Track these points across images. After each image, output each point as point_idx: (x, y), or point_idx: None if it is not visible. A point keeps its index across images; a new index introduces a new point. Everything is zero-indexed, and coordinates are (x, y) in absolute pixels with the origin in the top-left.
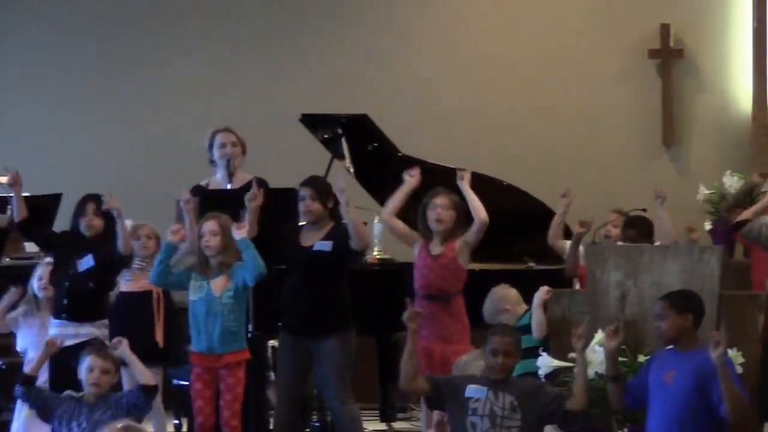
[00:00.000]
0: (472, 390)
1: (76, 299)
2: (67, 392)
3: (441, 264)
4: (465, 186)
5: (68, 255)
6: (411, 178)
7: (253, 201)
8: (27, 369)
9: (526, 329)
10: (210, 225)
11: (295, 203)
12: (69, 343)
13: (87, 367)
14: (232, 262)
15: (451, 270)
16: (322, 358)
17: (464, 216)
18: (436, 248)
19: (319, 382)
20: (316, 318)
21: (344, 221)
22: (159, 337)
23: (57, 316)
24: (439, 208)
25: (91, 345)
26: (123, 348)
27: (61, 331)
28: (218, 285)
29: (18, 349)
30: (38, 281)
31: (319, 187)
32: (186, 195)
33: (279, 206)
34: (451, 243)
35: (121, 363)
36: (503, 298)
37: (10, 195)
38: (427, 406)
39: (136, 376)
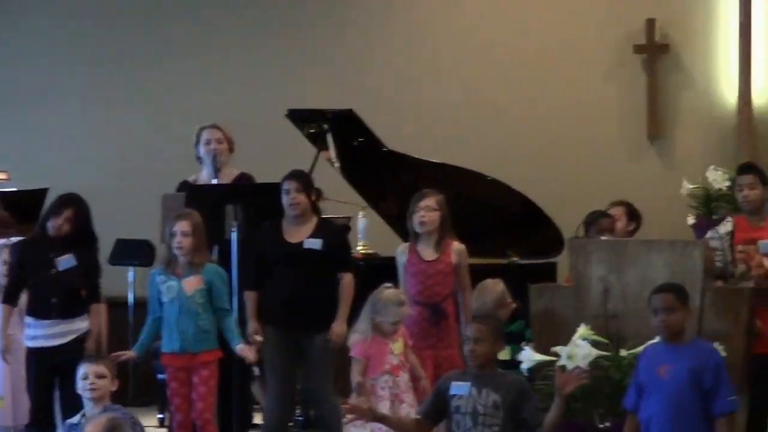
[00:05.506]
0: (455, 387)
1: (65, 297)
2: (67, 422)
3: (437, 269)
4: None
5: (44, 253)
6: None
7: None
8: None
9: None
10: (182, 225)
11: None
12: (61, 341)
13: (81, 376)
14: (202, 262)
15: (446, 274)
16: (311, 354)
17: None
18: (427, 253)
19: (305, 376)
20: (308, 314)
21: None
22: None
23: (44, 315)
24: (422, 211)
25: (84, 357)
26: None
27: (49, 331)
28: (190, 284)
29: None
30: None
31: (303, 179)
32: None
33: (266, 201)
34: (446, 248)
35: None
36: (505, 292)
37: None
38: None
39: None
